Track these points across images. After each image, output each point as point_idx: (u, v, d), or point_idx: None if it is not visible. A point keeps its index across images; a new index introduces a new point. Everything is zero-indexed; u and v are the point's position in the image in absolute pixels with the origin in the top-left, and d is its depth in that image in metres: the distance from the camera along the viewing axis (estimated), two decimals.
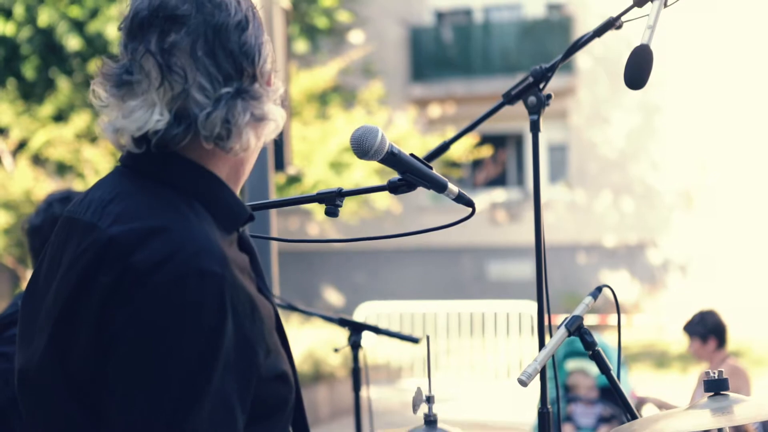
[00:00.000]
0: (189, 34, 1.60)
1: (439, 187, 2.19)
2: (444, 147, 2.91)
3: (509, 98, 2.72)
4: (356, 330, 3.68)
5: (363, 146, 2.09)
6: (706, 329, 6.11)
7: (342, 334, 3.76)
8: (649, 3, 2.59)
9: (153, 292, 1.51)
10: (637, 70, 2.46)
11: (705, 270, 18.90)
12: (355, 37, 19.18)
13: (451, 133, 19.07)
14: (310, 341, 11.92)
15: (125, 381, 1.51)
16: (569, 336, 2.44)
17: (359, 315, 13.29)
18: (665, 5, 2.59)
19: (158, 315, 1.51)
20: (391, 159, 2.15)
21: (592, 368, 6.46)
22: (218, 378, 1.51)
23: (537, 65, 2.67)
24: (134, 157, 1.66)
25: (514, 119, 13.38)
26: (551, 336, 2.45)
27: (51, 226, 2.77)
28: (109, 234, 1.56)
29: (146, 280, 1.51)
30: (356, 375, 3.68)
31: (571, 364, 6.54)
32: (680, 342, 17.30)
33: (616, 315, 2.60)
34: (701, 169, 19.07)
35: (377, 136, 2.09)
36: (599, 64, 19.50)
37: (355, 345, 3.64)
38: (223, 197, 1.67)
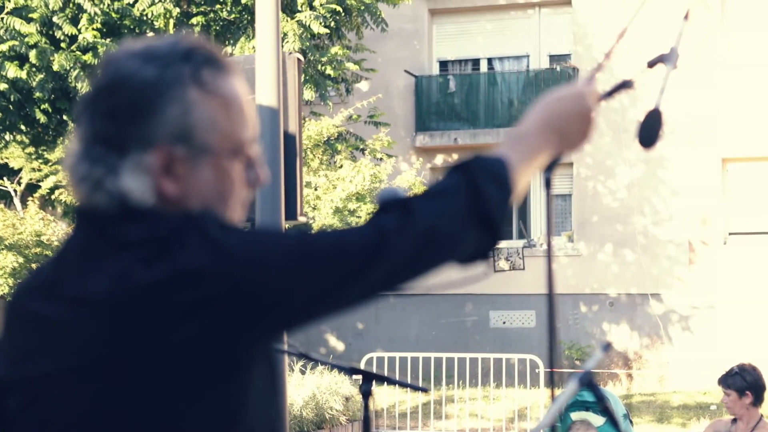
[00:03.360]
0: (94, 88, 1.66)
1: None
2: None
3: None
4: (367, 379, 3.74)
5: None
6: (746, 383, 6.07)
7: (344, 380, 3.83)
8: (660, 64, 2.68)
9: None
10: (651, 131, 2.57)
11: (707, 323, 18.90)
12: (361, 86, 19.34)
13: None
14: (313, 387, 11.92)
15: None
16: (581, 389, 2.50)
17: (365, 363, 13.27)
18: (674, 67, 2.68)
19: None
20: None
21: (596, 420, 6.50)
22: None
23: None
24: None
25: None
26: (554, 386, 2.51)
27: None
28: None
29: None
30: (366, 423, 3.73)
31: (575, 415, 6.58)
32: (681, 394, 17.32)
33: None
34: (703, 222, 19.14)
35: (401, 193, 2.22)
36: (602, 115, 19.66)
37: (365, 393, 3.70)
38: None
